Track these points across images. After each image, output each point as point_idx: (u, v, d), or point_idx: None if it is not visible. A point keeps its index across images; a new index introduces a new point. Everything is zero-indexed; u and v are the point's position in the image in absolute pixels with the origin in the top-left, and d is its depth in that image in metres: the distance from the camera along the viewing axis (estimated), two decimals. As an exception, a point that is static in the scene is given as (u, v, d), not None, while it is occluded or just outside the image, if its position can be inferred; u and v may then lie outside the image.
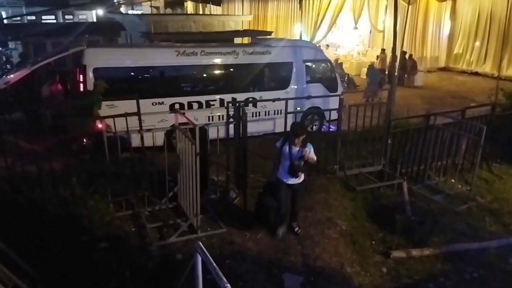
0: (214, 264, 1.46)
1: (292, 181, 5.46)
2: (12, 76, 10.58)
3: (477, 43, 19.35)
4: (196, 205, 5.46)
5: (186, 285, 2.46)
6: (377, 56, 17.45)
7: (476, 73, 19.00)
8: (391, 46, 9.75)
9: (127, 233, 5.40)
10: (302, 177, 5.51)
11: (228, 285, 1.44)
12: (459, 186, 7.34)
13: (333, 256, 5.32)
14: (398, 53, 10.50)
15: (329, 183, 7.20)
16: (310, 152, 5.38)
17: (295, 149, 5.30)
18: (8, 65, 16.66)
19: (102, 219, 5.40)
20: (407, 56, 16.77)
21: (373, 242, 5.83)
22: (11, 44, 18.61)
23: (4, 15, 27.28)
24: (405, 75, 16.56)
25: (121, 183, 6.21)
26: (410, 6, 15.91)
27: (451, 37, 20.41)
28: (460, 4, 19.89)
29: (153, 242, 5.20)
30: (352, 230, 5.98)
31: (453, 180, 7.38)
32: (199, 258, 1.56)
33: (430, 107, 11.44)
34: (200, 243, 1.55)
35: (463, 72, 19.66)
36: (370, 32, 21.84)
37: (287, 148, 5.35)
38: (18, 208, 5.27)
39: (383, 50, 17.15)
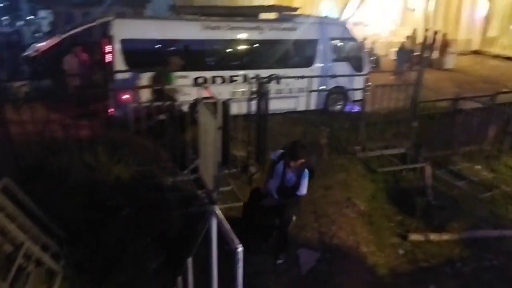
0: (228, 226, 1.50)
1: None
2: (42, 44, 10.83)
3: (514, 27, 18.48)
4: (216, 177, 5.55)
5: (203, 251, 2.56)
6: (407, 36, 16.92)
7: (511, 58, 18.19)
8: (423, 26, 9.43)
9: (149, 201, 5.55)
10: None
11: (240, 245, 1.48)
12: (484, 173, 7.17)
13: (350, 235, 5.35)
14: (429, 34, 10.16)
15: (349, 163, 7.16)
16: (303, 184, 4.38)
17: (290, 174, 4.36)
18: (38, 34, 17.04)
19: (125, 186, 5.57)
20: (440, 35, 16.17)
21: (391, 224, 5.82)
22: (41, 13, 18.98)
23: (34, -16, 27.61)
24: (434, 55, 16.01)
25: (144, 153, 6.38)
26: (445, -15, 15.26)
27: (487, 19, 19.49)
28: (499, -16, 18.93)
29: (173, 211, 5.34)
30: (371, 211, 5.97)
31: (478, 167, 7.21)
32: (214, 221, 1.60)
33: (460, 91, 11.07)
34: (216, 207, 1.59)
35: (497, 57, 18.84)
36: (402, 11, 21.08)
37: (281, 167, 4.44)
38: (46, 172, 5.50)
39: (414, 30, 16.58)
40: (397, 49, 14.90)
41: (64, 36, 10.42)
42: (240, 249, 1.46)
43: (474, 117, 7.06)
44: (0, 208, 3.86)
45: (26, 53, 11.07)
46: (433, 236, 5.43)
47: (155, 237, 4.71)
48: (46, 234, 4.23)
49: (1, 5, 27.75)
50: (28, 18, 22.57)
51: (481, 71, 16.15)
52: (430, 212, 5.87)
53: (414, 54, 15.35)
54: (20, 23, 20.93)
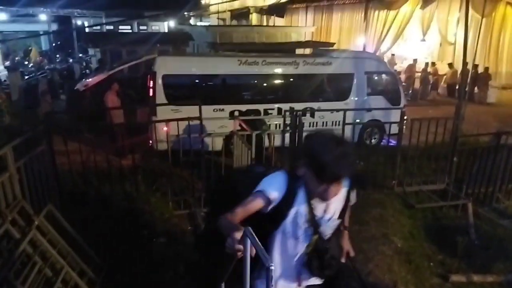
0: (261, 246, 1.53)
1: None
2: (90, 80, 11.58)
3: (561, 59, 17.67)
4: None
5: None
6: (434, 67, 17.62)
7: (557, 92, 17.32)
8: (462, 59, 9.28)
9: (183, 231, 5.66)
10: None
11: (273, 264, 1.50)
12: (532, 212, 6.76)
13: (386, 273, 5.14)
14: (469, 67, 9.97)
15: (386, 198, 6.97)
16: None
17: (320, 207, 2.06)
18: (87, 70, 18.27)
19: (162, 216, 5.73)
20: (481, 68, 15.85)
21: (431, 263, 5.54)
22: (90, 51, 20.43)
23: (86, 24, 29.96)
24: (475, 89, 15.74)
25: (180, 184, 6.55)
26: (484, 19, 15.05)
27: (530, 52, 18.82)
28: (542, 16, 18.33)
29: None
30: (409, 249, 5.73)
31: (525, 205, 6.81)
32: (248, 242, 1.64)
33: (503, 126, 10.64)
34: (250, 228, 1.63)
35: (543, 90, 18.01)
36: (440, 44, 20.85)
37: (300, 209, 2.04)
38: (88, 199, 5.76)
39: (450, 64, 16.35)
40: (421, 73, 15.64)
41: (111, 72, 11.13)
42: (272, 267, 1.50)
43: (518, 153, 6.75)
44: (43, 234, 4.06)
45: (75, 88, 11.88)
46: (476, 278, 5.12)
47: (188, 267, 4.76)
48: (83, 260, 4.38)
49: (54, 44, 30.32)
50: (78, 55, 24.36)
51: (526, 105, 15.48)
52: (473, 252, 5.56)
53: (437, 77, 15.73)
54: (71, 60, 22.59)
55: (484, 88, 15.74)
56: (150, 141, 8.23)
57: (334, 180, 1.89)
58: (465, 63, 9.11)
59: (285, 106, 8.62)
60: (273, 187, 1.96)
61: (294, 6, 24.07)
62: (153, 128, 7.43)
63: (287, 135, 6.71)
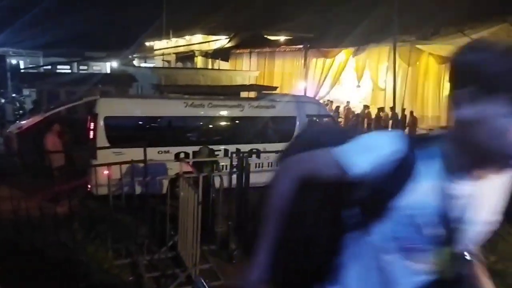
0: None
1: None
2: (25, 122, 10.96)
3: (477, 104, 19.78)
4: (195, 255, 5.42)
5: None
6: (368, 111, 18.85)
7: (478, 133, 19.22)
8: (391, 104, 10.11)
9: (124, 282, 5.33)
10: None
11: None
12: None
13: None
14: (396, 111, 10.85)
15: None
16: None
17: (465, 193, 1.10)
18: (21, 111, 17.27)
19: (101, 266, 5.37)
20: (407, 112, 17.23)
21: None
22: (25, 91, 19.42)
23: (22, 64, 28.64)
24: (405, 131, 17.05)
25: (122, 230, 6.24)
26: (410, 68, 16.64)
27: (451, 98, 20.90)
28: (459, 67, 20.58)
29: (150, 292, 5.12)
30: None
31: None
32: None
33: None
34: (202, 278, 1.59)
35: (465, 132, 19.89)
36: (372, 90, 22.52)
37: (428, 197, 1.07)
38: (19, 250, 5.29)
39: (381, 109, 17.61)
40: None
41: (48, 114, 10.61)
42: None
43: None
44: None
45: (8, 130, 11.13)
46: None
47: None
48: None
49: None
50: (12, 95, 22.99)
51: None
52: None
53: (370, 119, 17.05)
54: (2, 100, 21.26)
55: (413, 130, 17.05)
56: (89, 186, 7.86)
57: None
58: (394, 108, 9.93)
59: (231, 148, 8.71)
60: (366, 153, 1.12)
61: (238, 51, 24.93)
62: (93, 172, 7.14)
63: (234, 176, 6.75)
